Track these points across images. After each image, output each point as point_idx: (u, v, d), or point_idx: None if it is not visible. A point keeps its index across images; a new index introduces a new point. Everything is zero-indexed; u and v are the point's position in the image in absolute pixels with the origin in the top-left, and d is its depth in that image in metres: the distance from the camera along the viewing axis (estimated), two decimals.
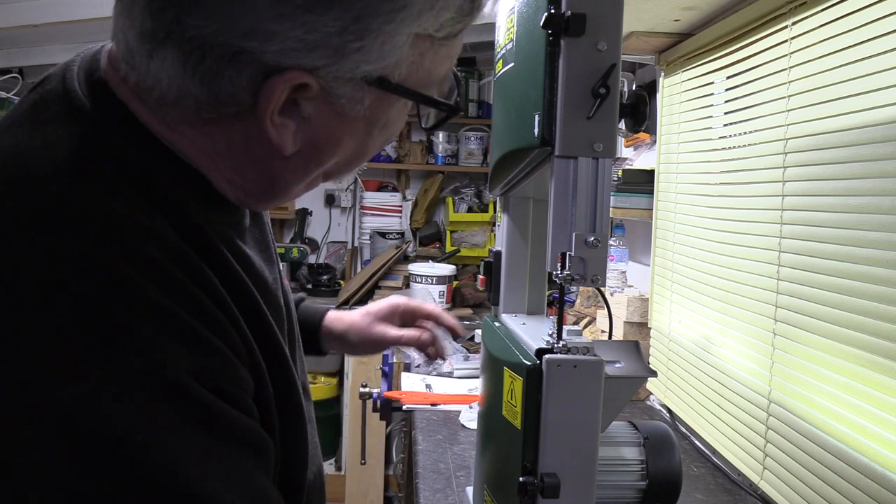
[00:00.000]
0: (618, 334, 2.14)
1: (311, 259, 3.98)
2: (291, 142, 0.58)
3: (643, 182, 2.17)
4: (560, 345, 0.88)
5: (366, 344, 1.16)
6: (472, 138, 3.81)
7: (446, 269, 3.42)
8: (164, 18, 0.53)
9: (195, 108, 0.57)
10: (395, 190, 4.03)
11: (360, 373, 3.23)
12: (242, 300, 0.61)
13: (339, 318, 1.16)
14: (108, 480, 0.47)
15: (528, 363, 0.88)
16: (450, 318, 1.21)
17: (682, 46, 1.91)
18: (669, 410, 2.01)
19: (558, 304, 0.93)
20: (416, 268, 3.40)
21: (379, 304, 1.19)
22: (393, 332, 1.16)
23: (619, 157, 2.48)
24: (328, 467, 3.55)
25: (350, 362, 3.30)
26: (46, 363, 0.47)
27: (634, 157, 2.45)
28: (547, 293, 1.19)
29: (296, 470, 0.69)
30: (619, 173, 2.19)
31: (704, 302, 1.76)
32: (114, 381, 0.48)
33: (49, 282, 0.49)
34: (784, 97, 1.39)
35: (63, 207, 0.51)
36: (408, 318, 1.20)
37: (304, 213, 3.99)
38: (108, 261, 0.50)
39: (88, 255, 0.50)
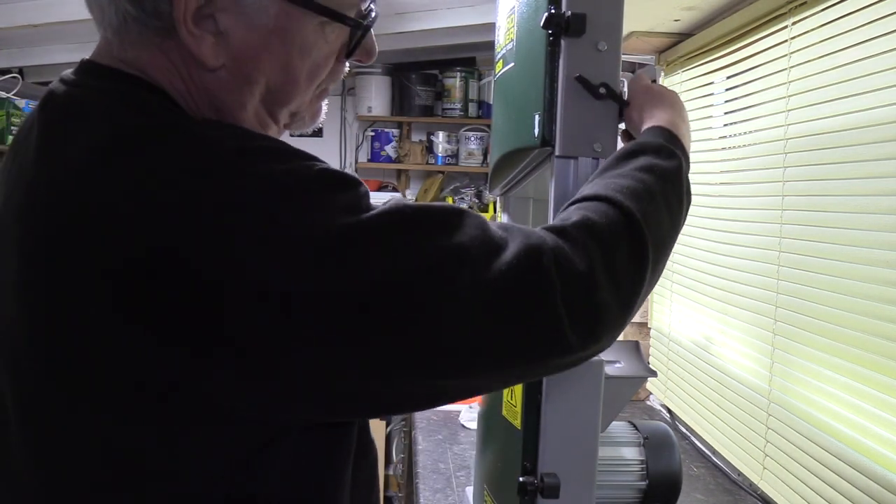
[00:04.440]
0: None
1: None
2: (212, 54, 0.61)
3: None
4: None
5: None
6: (472, 138, 3.81)
7: None
8: None
9: (136, 28, 0.60)
10: (395, 190, 4.03)
11: None
12: None
13: None
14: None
15: None
16: None
17: (682, 46, 1.91)
18: (669, 410, 2.01)
19: None
20: None
21: None
22: None
23: None
24: None
25: None
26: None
27: None
28: None
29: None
30: None
31: (704, 302, 1.76)
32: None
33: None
34: (784, 97, 1.39)
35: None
36: None
37: None
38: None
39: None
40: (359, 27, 0.66)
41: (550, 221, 0.68)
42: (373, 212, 0.56)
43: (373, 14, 0.68)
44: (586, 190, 0.71)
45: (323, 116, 0.74)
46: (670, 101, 0.85)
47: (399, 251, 0.55)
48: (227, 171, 0.54)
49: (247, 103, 0.65)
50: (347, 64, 0.71)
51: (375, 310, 0.53)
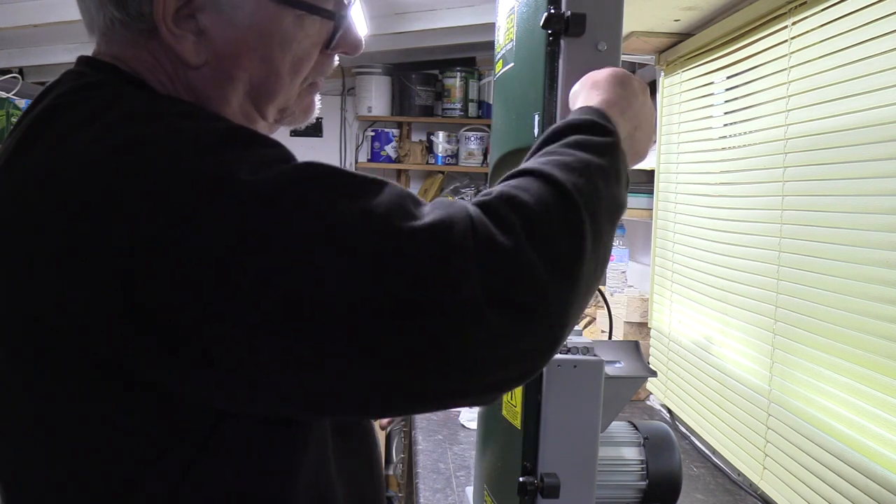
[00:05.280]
0: (618, 334, 2.14)
1: None
2: (194, 52, 0.63)
3: (643, 182, 2.17)
4: None
5: None
6: (472, 138, 3.81)
7: None
8: None
9: (123, 30, 0.64)
10: None
11: None
12: None
13: None
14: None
15: None
16: None
17: (682, 46, 1.91)
18: (669, 410, 2.01)
19: None
20: None
21: None
22: None
23: None
24: None
25: None
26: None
27: None
28: None
29: None
30: None
31: (704, 302, 1.76)
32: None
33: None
34: (784, 97, 1.39)
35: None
36: None
37: None
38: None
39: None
40: (333, 18, 0.67)
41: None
42: (287, 165, 0.55)
43: (350, 5, 0.68)
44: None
45: (317, 111, 0.74)
46: (614, 85, 0.74)
47: (306, 208, 0.53)
48: (135, 128, 0.55)
49: (231, 99, 0.66)
50: (337, 57, 0.71)
51: (264, 265, 0.51)
